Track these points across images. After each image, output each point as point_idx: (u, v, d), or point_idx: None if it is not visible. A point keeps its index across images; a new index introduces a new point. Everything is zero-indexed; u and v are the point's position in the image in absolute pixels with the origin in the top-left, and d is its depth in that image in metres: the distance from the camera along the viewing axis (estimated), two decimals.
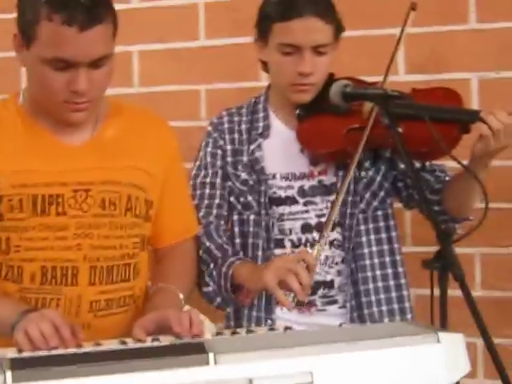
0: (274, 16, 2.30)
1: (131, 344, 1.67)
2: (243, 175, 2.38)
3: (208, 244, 2.27)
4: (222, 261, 2.25)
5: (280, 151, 2.41)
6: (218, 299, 2.27)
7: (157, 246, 2.15)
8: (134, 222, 2.00)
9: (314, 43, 2.26)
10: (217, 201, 2.37)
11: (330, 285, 2.35)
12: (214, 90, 3.15)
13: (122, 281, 2.00)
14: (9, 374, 1.42)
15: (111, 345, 1.65)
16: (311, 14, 2.25)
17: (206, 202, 2.34)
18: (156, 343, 1.66)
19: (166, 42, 3.18)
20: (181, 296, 2.01)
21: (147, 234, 2.06)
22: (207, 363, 1.46)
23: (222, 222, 2.38)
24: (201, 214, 2.31)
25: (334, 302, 2.36)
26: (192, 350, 1.49)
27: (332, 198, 2.31)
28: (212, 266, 2.25)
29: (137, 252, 2.03)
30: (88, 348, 1.65)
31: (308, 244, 2.33)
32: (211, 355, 1.46)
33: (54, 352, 1.63)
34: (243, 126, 2.45)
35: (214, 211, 2.35)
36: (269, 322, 2.35)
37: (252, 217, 2.38)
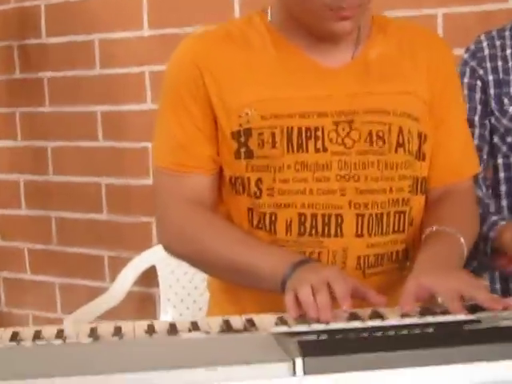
0: None
1: (438, 318, 1.26)
2: (511, 109, 1.93)
3: None
4: (482, 218, 1.83)
5: None
6: (474, 262, 1.84)
7: (432, 186, 1.70)
8: (407, 160, 1.59)
9: None
10: (476, 141, 1.93)
11: None
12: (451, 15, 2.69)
13: (394, 232, 1.60)
14: (299, 361, 1.05)
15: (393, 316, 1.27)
16: None
17: None
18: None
19: None
20: (462, 240, 1.57)
21: (422, 175, 1.63)
22: None
23: (481, 168, 1.94)
24: None
25: None
26: None
27: None
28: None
29: (410, 196, 1.61)
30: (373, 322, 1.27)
31: None
32: None
33: (349, 328, 1.24)
34: (508, 51, 1.99)
35: None
36: None
37: None
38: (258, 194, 1.57)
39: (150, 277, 3.21)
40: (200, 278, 3.03)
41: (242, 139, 1.57)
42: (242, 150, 1.57)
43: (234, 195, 1.61)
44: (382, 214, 1.57)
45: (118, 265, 3.30)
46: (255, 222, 1.59)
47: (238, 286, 1.61)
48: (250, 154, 1.56)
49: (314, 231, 1.55)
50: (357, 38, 1.61)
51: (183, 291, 3.12)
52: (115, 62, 3.22)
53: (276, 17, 1.61)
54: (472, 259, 1.80)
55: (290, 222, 1.55)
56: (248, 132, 1.56)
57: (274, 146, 1.54)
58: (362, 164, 1.55)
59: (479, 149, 1.93)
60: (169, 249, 1.64)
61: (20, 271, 3.57)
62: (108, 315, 3.12)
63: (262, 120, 1.55)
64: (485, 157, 1.97)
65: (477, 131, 1.95)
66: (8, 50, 3.43)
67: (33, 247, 3.52)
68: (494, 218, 1.85)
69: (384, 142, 1.56)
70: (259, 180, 1.56)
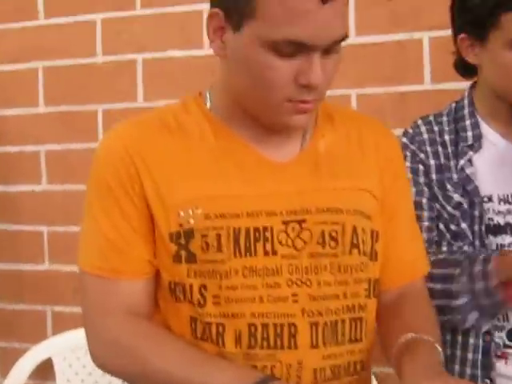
0: (502, 3, 1.74)
1: None
2: (456, 197, 1.83)
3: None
4: (471, 260, 1.72)
5: (496, 166, 1.85)
6: (473, 315, 1.73)
7: (385, 289, 1.54)
8: (362, 261, 1.45)
9: None
10: (426, 223, 1.82)
11: None
12: (365, 96, 2.61)
13: (350, 341, 1.43)
14: None
15: None
16: None
17: None
18: None
19: None
20: (439, 349, 1.42)
21: (375, 276, 1.49)
22: None
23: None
24: None
25: None
26: None
27: None
28: (458, 271, 1.71)
29: (367, 301, 1.46)
30: None
31: None
32: None
33: None
34: (446, 137, 1.89)
35: (425, 235, 1.80)
36: (487, 381, 1.79)
37: (465, 248, 1.83)
38: (201, 302, 1.39)
39: (45, 370, 2.95)
40: (100, 372, 2.79)
41: (183, 241, 1.39)
42: (183, 253, 1.39)
43: (174, 303, 1.42)
44: (336, 322, 1.41)
45: (9, 357, 3.02)
46: (199, 333, 1.40)
47: None
48: (191, 258, 1.39)
49: (265, 343, 1.38)
50: (304, 129, 1.46)
51: None
52: (8, 139, 2.99)
53: (216, 103, 1.46)
54: (469, 312, 1.69)
55: (240, 333, 1.38)
56: (189, 233, 1.38)
57: (219, 250, 1.37)
58: (314, 268, 1.40)
59: (430, 230, 1.83)
60: (102, 364, 1.44)
61: None
62: None
63: (205, 220, 1.38)
64: (435, 239, 1.86)
65: (426, 214, 1.85)
66: None
67: None
68: (484, 255, 1.74)
69: (337, 243, 1.41)
70: (203, 287, 1.39)
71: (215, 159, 1.41)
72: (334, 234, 1.40)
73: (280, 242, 1.38)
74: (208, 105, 1.46)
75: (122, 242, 1.41)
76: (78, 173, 2.89)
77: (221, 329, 1.38)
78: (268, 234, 1.38)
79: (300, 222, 1.39)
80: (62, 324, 2.93)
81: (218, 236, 1.37)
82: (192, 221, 1.37)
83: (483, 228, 1.82)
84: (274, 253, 1.38)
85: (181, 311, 1.41)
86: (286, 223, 1.39)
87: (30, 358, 2.87)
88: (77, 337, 2.81)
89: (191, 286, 1.39)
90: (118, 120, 2.79)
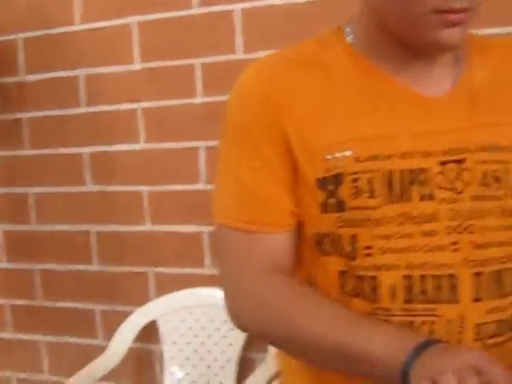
0: None
1: None
2: None
3: None
4: None
5: None
6: None
7: None
8: None
9: None
10: None
11: None
12: None
13: None
14: None
15: None
16: None
17: None
18: None
19: None
20: None
21: None
22: None
23: None
24: None
25: None
26: None
27: None
28: None
29: None
30: None
31: None
32: None
33: None
34: None
35: None
36: None
37: None
38: (352, 254, 1.25)
39: (150, 333, 2.86)
40: (207, 333, 2.70)
41: (331, 187, 1.25)
42: (331, 200, 1.26)
43: (320, 256, 1.29)
44: (500, 272, 1.26)
45: (111, 320, 2.95)
46: (349, 289, 1.27)
47: (329, 370, 1.28)
48: (341, 206, 1.25)
49: (423, 297, 1.24)
50: (456, 58, 1.31)
51: (188, 348, 2.78)
52: (103, 98, 2.88)
53: (358, 36, 1.31)
54: None
55: (395, 286, 1.24)
56: (338, 179, 1.25)
57: (371, 195, 1.23)
58: (477, 212, 1.25)
59: None
60: (243, 325, 1.31)
61: (1, 330, 3.19)
62: (107, 377, 2.77)
63: (355, 163, 1.24)
64: None
65: None
66: None
67: (15, 303, 3.15)
68: None
69: (502, 185, 1.26)
70: (354, 237, 1.25)
71: (362, 97, 1.27)
72: (497, 175, 1.25)
73: (438, 185, 1.24)
74: (349, 39, 1.31)
75: (264, 191, 1.28)
76: (177, 130, 2.77)
77: (374, 282, 1.25)
78: (424, 177, 1.24)
79: (459, 162, 1.25)
80: (165, 286, 2.84)
81: (370, 180, 1.23)
82: (341, 165, 1.24)
83: None
84: (431, 197, 1.24)
85: (328, 265, 1.28)
86: (443, 164, 1.25)
87: (134, 322, 2.80)
88: (181, 298, 2.71)
89: (340, 237, 1.25)
90: (216, 74, 2.70)
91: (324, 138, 1.25)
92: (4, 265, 3.14)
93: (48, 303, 3.08)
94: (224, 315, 2.70)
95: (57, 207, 3.02)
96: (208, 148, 2.73)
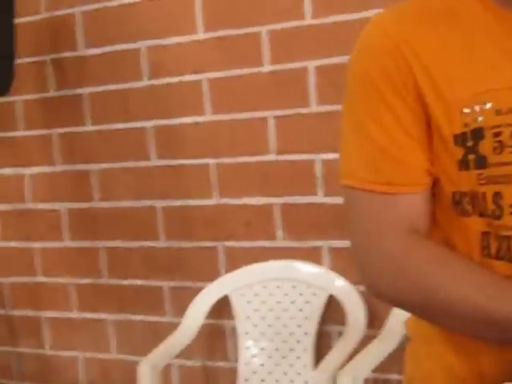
0: None
1: None
2: None
3: None
4: None
5: None
6: None
7: None
8: None
9: None
10: None
11: None
12: None
13: None
14: None
15: None
16: None
17: None
18: None
19: None
20: None
21: None
22: None
23: None
24: None
25: None
26: None
27: None
28: None
29: None
30: None
31: None
32: None
33: None
34: None
35: None
36: None
37: None
38: (497, 213, 1.17)
39: (222, 308, 2.80)
40: (282, 307, 2.63)
41: (470, 143, 1.17)
42: (471, 157, 1.17)
43: (460, 217, 1.21)
44: None
45: (180, 297, 2.88)
46: (493, 251, 1.19)
47: (468, 337, 1.20)
48: (482, 162, 1.16)
49: None
50: None
51: (263, 322, 2.71)
52: (166, 71, 2.80)
53: None
54: None
55: None
56: (478, 133, 1.16)
57: None
58: None
59: None
60: (379, 291, 1.24)
61: (66, 309, 3.13)
62: (182, 354, 2.71)
63: (496, 116, 1.15)
64: None
65: None
66: (41, 65, 3.01)
67: (80, 282, 3.09)
68: None
69: None
70: (498, 195, 1.16)
71: (500, 44, 1.18)
72: None
73: None
74: None
75: (396, 149, 1.20)
76: (244, 100, 2.69)
77: None
78: None
79: None
80: (236, 260, 2.77)
81: None
82: (480, 118, 1.15)
83: None
84: None
85: (469, 226, 1.20)
86: None
87: (206, 297, 2.73)
88: (254, 272, 2.64)
89: (483, 196, 1.17)
90: (284, 41, 2.61)
91: (459, 91, 1.17)
92: (68, 243, 3.09)
93: (114, 281, 3.01)
94: (300, 288, 2.64)
95: (120, 183, 2.95)
96: (277, 118, 2.65)
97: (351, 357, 2.40)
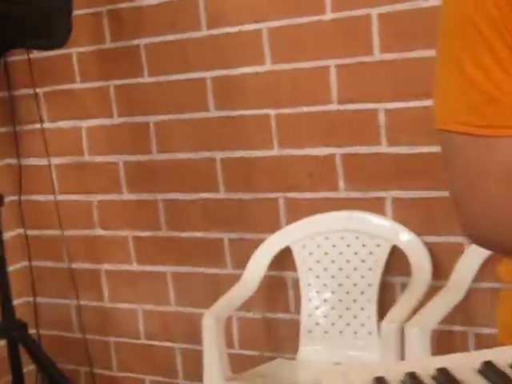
0: None
1: None
2: None
3: None
4: None
5: None
6: None
7: None
8: None
9: None
10: None
11: None
12: None
13: None
14: None
15: None
16: None
17: None
18: None
19: None
20: None
21: None
22: None
23: None
24: None
25: None
26: None
27: None
28: None
29: None
30: None
31: None
32: None
33: None
34: None
35: None
36: None
37: None
38: None
39: (284, 260, 2.77)
40: (345, 259, 2.60)
41: None
42: None
43: None
44: None
45: (240, 249, 2.87)
46: None
47: None
48: None
49: None
50: None
51: (326, 274, 2.69)
52: (225, 20, 2.76)
53: None
54: None
55: None
56: None
57: None
58: None
59: None
60: (479, 237, 1.20)
61: (125, 262, 3.13)
62: (242, 306, 2.70)
63: None
64: None
65: None
66: (97, 16, 2.98)
67: (138, 235, 3.08)
68: None
69: None
70: None
71: None
72: None
73: None
74: None
75: (496, 89, 1.15)
76: (306, 49, 2.64)
77: None
78: None
79: None
80: (297, 211, 2.74)
81: None
82: None
83: None
84: None
85: None
86: None
87: (267, 249, 2.71)
88: (316, 223, 2.62)
89: None
90: None
91: None
92: (126, 196, 3.08)
93: (173, 234, 3.00)
94: (363, 239, 2.61)
95: (178, 135, 2.93)
96: (339, 66, 2.59)
97: (416, 309, 2.37)
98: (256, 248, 2.76)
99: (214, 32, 2.78)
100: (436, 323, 2.33)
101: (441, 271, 2.53)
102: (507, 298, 1.30)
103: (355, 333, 2.62)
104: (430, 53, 2.37)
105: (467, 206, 1.18)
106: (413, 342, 2.19)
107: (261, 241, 2.77)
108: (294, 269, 2.74)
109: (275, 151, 2.76)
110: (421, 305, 2.40)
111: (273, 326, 2.90)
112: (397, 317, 2.31)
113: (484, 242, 1.19)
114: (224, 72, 2.80)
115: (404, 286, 2.59)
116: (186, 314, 3.04)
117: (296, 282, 2.76)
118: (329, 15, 2.59)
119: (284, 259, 2.76)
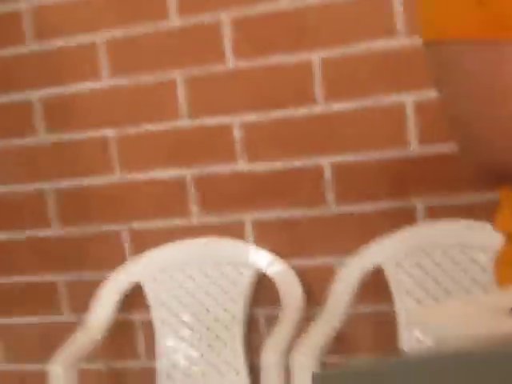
0: None
1: None
2: None
3: None
4: None
5: None
6: None
7: None
8: None
9: None
10: None
11: None
12: None
13: None
14: None
15: None
16: None
17: None
18: None
19: None
20: None
21: None
22: None
23: None
24: None
25: None
26: None
27: None
28: None
29: None
30: None
31: None
32: None
33: None
34: None
35: None
36: None
37: None
38: None
39: (133, 299, 2.45)
40: (204, 290, 2.32)
41: None
42: None
43: None
44: None
45: (78, 291, 2.51)
46: None
47: None
48: None
49: None
50: None
51: (182, 309, 2.38)
52: (54, 31, 2.44)
53: None
54: None
55: None
56: None
57: None
58: None
59: None
60: (490, 157, 1.00)
61: None
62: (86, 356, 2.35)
63: None
64: None
65: None
66: None
67: None
68: None
69: None
70: None
71: None
72: None
73: None
74: None
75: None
76: (148, 60, 2.37)
77: None
78: None
79: None
80: (144, 242, 2.43)
81: None
82: None
83: None
84: None
85: None
86: None
87: (113, 287, 2.38)
88: (167, 254, 2.33)
89: None
90: None
91: None
92: None
93: None
94: (222, 267, 2.32)
95: (4, 164, 2.55)
96: (187, 77, 2.34)
97: (292, 339, 2.11)
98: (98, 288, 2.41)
99: (42, 46, 2.45)
100: (322, 350, 2.07)
101: (313, 296, 2.29)
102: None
103: (220, 373, 2.32)
104: (290, 58, 2.17)
105: (477, 128, 0.97)
106: (301, 371, 1.92)
107: (104, 280, 2.43)
108: (146, 307, 2.41)
109: (116, 177, 2.44)
110: (296, 335, 2.14)
111: (121, 377, 2.54)
112: (277, 347, 2.04)
113: (495, 162, 0.98)
114: (53, 90, 2.46)
115: (274, 317, 2.33)
116: (16, 372, 2.62)
117: (147, 323, 2.43)
118: (174, 21, 2.33)
119: (134, 298, 2.43)
